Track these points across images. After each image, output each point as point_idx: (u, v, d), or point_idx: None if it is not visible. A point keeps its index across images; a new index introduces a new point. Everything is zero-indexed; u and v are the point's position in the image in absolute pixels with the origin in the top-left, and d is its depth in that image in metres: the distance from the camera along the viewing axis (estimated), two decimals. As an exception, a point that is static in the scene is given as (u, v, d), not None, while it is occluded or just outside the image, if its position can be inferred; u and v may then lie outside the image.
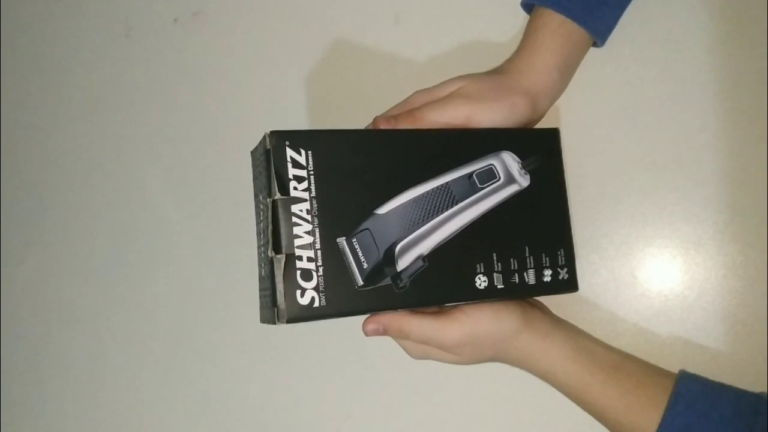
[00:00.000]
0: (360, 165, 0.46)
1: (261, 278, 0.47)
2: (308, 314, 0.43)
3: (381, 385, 0.63)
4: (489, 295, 0.47)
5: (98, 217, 0.74)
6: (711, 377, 0.49)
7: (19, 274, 0.77)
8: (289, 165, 0.44)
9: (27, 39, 0.77)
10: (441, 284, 0.46)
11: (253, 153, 0.48)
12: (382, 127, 0.48)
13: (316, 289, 0.43)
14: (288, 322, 0.42)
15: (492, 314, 0.48)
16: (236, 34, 0.68)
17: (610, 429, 0.49)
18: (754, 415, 0.45)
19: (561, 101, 0.55)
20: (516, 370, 0.52)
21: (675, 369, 0.51)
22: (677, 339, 0.55)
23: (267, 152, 0.44)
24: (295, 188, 0.44)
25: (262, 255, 0.46)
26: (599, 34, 0.53)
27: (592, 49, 0.55)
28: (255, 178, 0.48)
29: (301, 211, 0.43)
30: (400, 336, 0.48)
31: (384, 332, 0.48)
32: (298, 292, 0.43)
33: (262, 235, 0.46)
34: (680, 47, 0.56)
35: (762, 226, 0.53)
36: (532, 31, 0.53)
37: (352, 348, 0.64)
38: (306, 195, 0.44)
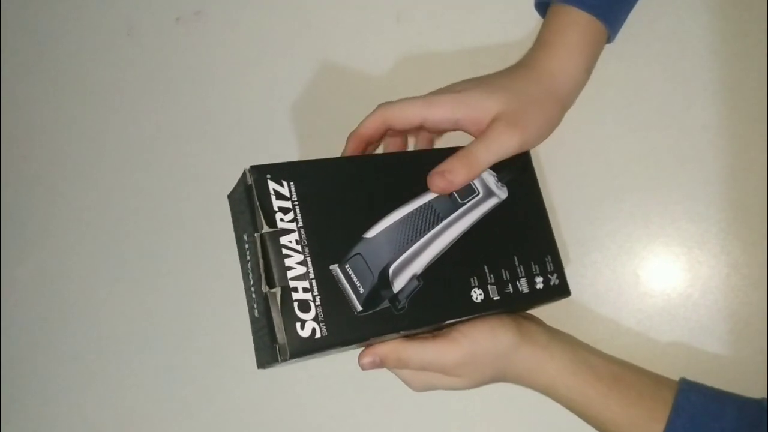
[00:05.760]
0: (343, 191, 0.46)
1: (254, 319, 0.45)
2: (311, 347, 0.42)
3: (383, 383, 0.63)
4: (486, 307, 0.47)
5: (98, 216, 0.73)
6: (714, 376, 0.49)
7: (19, 274, 0.77)
8: (273, 197, 0.43)
9: (27, 39, 0.77)
10: (439, 302, 0.46)
11: (230, 196, 0.47)
12: (441, 186, 0.47)
13: (315, 319, 0.42)
14: (291, 357, 0.41)
15: (488, 331, 0.47)
16: (238, 33, 0.68)
17: None
18: (756, 426, 0.44)
19: (564, 100, 0.55)
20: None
21: (678, 368, 0.51)
22: (680, 338, 0.55)
23: (249, 188, 0.43)
24: (282, 220, 0.43)
25: (253, 295, 0.45)
26: (614, 31, 0.52)
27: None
28: (236, 221, 0.47)
29: (290, 242, 0.43)
30: (398, 365, 0.47)
31: (381, 364, 0.47)
32: (298, 324, 0.41)
33: (251, 275, 0.45)
34: (683, 45, 0.56)
35: (765, 223, 0.53)
36: (559, 30, 0.51)
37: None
38: (293, 225, 0.43)
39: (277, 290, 0.42)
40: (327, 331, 0.42)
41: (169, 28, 0.70)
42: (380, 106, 0.49)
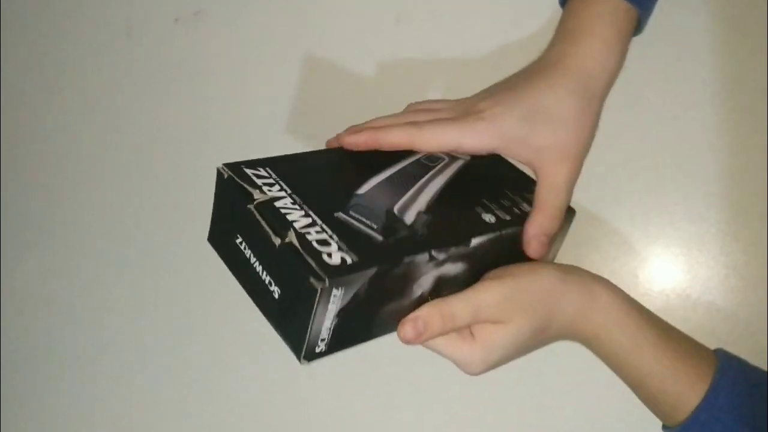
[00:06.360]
0: (319, 170, 0.46)
1: (276, 303, 0.43)
2: (346, 271, 0.39)
3: (383, 385, 0.63)
4: (501, 226, 0.46)
5: (98, 216, 0.73)
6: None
7: (19, 274, 0.77)
8: (254, 178, 0.43)
9: (27, 39, 0.77)
10: (456, 225, 0.45)
11: (210, 237, 0.47)
12: (539, 249, 0.47)
13: (340, 249, 0.40)
14: (331, 284, 0.38)
15: (527, 269, 0.45)
16: (237, 34, 0.68)
17: (646, 397, 0.47)
18: None
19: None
20: (517, 372, 0.51)
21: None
22: (679, 338, 0.55)
23: (229, 179, 0.43)
24: (270, 190, 0.43)
25: (267, 278, 0.43)
26: (646, 20, 0.50)
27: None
28: (224, 246, 0.47)
29: (285, 204, 0.42)
30: (444, 324, 0.42)
31: (425, 329, 0.42)
32: (325, 256, 0.39)
33: (258, 264, 0.43)
34: (682, 46, 0.56)
35: (764, 225, 0.53)
36: (591, 19, 0.47)
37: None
38: (283, 193, 0.43)
39: (290, 234, 0.40)
40: (357, 257, 0.40)
41: (168, 28, 0.70)
42: (411, 127, 0.47)
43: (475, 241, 0.45)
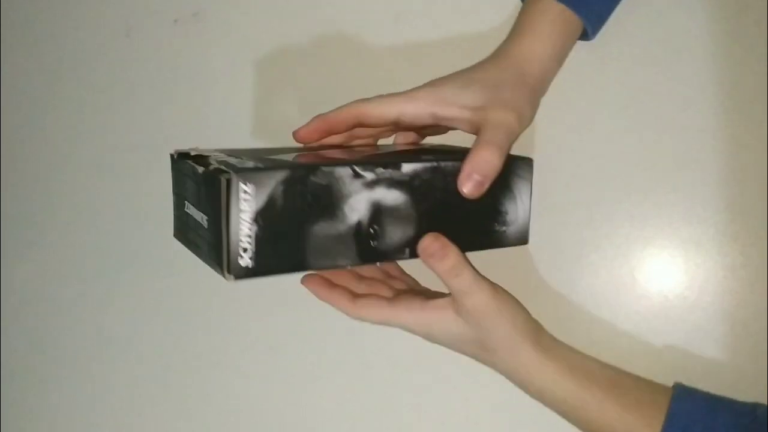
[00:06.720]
0: (269, 154, 0.47)
1: (204, 233, 0.42)
2: (255, 170, 0.39)
3: (380, 385, 0.63)
4: (439, 159, 0.47)
5: (98, 216, 0.74)
6: (711, 378, 0.49)
7: (19, 274, 0.77)
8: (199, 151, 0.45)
9: (27, 39, 0.77)
10: (393, 160, 0.46)
11: (175, 231, 0.48)
12: (479, 189, 0.46)
13: (256, 164, 0.40)
14: (238, 178, 0.38)
15: (514, 317, 0.48)
16: (236, 35, 0.68)
17: None
18: None
19: (560, 101, 0.55)
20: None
21: (675, 369, 0.50)
22: (677, 339, 0.55)
23: (180, 156, 0.45)
24: (210, 154, 0.44)
25: (195, 212, 0.43)
26: (591, 25, 0.52)
27: (593, 49, 0.55)
28: (186, 238, 0.47)
29: (220, 157, 0.43)
30: (453, 271, 0.46)
31: (441, 257, 0.45)
32: (239, 166, 0.40)
33: (197, 212, 0.44)
34: (680, 47, 0.56)
35: (762, 226, 0.53)
36: (531, 18, 0.52)
37: (350, 348, 0.64)
38: (222, 155, 0.44)
39: (213, 162, 0.41)
40: (271, 164, 0.40)
41: (167, 29, 0.70)
42: (358, 100, 0.50)
43: (407, 167, 0.45)
